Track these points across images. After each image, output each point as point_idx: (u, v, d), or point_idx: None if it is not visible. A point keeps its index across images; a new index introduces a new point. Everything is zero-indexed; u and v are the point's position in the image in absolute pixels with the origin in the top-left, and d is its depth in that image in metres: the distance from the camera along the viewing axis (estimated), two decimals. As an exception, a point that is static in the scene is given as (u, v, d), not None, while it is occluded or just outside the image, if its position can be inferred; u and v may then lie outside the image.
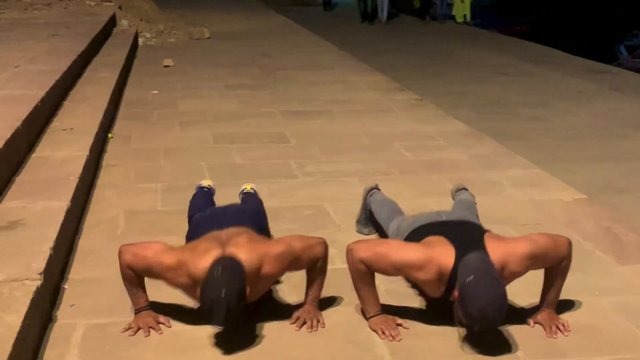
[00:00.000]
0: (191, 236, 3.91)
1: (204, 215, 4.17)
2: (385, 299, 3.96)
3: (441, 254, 3.57)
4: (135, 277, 3.67)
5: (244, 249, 3.53)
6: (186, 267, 3.51)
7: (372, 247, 3.70)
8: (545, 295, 3.80)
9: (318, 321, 3.74)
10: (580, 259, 4.54)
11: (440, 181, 6.02)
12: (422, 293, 3.98)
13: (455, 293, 3.43)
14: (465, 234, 3.74)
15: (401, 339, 3.61)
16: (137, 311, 3.73)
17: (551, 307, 3.79)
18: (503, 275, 3.54)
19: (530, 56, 15.44)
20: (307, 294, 3.81)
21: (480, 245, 3.60)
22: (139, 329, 3.65)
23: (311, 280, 3.79)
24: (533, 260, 3.65)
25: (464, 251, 3.54)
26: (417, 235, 3.86)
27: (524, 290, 3.95)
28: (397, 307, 3.91)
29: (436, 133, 7.68)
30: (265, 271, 3.56)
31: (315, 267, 3.76)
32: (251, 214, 4.26)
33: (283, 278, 4.23)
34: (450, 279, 3.53)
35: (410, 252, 3.62)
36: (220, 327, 3.56)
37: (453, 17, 21.60)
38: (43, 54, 9.45)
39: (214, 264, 3.38)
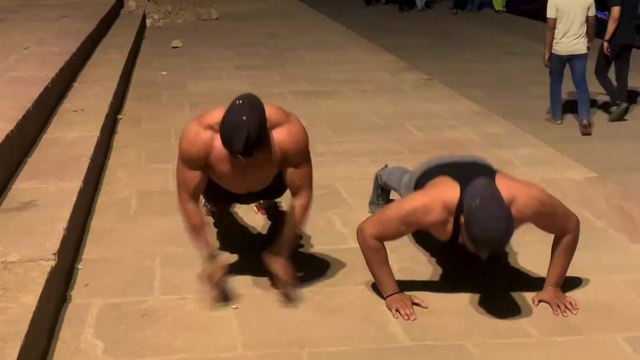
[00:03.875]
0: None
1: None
2: (398, 277, 3.97)
3: (444, 191, 3.57)
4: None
5: (270, 106, 3.59)
6: (200, 122, 3.62)
7: (376, 219, 3.71)
8: (551, 273, 3.78)
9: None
10: (592, 237, 4.55)
11: (451, 160, 6.00)
12: (437, 262, 3.99)
13: (462, 219, 3.40)
14: (474, 172, 3.66)
15: (415, 318, 3.62)
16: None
17: (557, 286, 3.78)
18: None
19: (540, 35, 15.28)
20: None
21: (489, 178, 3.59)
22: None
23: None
24: (540, 209, 3.57)
25: (470, 184, 3.50)
26: (426, 177, 3.86)
27: (534, 268, 3.96)
28: (410, 285, 3.92)
29: (446, 112, 7.66)
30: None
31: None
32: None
33: (294, 258, 4.25)
34: (457, 214, 3.50)
35: (411, 201, 3.63)
36: (239, 154, 3.44)
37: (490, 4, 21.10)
38: (52, 35, 9.45)
39: (234, 100, 3.43)
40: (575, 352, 3.36)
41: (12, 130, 5.03)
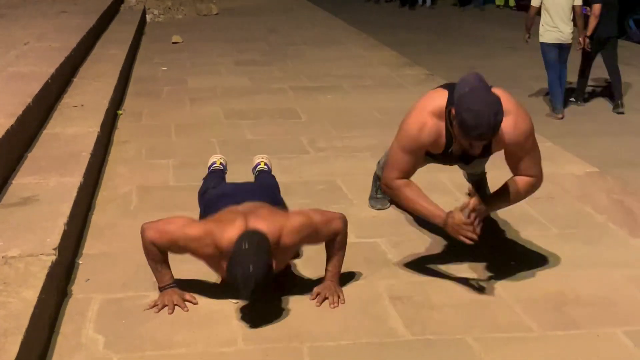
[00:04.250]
0: (206, 212, 3.88)
1: (219, 191, 4.15)
2: (398, 272, 3.98)
3: (429, 100, 3.68)
4: (159, 253, 3.66)
5: (265, 221, 3.52)
6: (212, 236, 3.49)
7: (387, 166, 3.81)
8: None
9: (339, 297, 3.73)
10: (593, 232, 4.56)
11: (451, 155, 6.00)
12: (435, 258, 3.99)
13: (453, 110, 3.45)
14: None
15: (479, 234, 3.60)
16: (161, 289, 3.72)
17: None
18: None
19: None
20: (327, 269, 3.80)
21: None
22: (164, 306, 3.65)
23: (330, 255, 3.78)
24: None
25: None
26: None
27: (534, 263, 3.95)
28: (411, 280, 3.92)
29: (447, 108, 7.64)
30: (284, 242, 3.54)
31: (334, 241, 3.73)
32: (266, 189, 4.26)
33: (298, 251, 4.25)
34: (447, 116, 3.58)
35: (403, 125, 3.74)
36: (246, 301, 3.56)
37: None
38: (52, 30, 9.43)
39: (240, 238, 3.36)
40: (575, 347, 3.37)
41: (12, 126, 5.02)
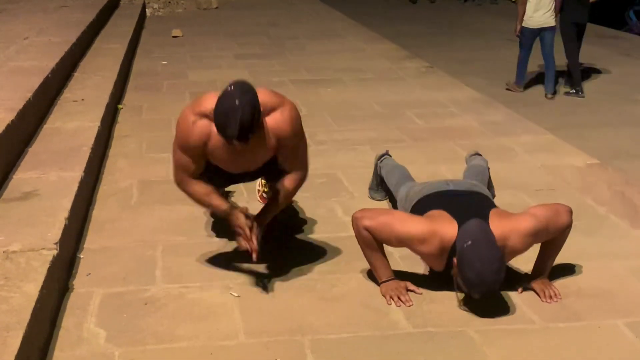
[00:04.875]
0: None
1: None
2: (400, 265, 3.98)
3: (443, 228, 3.56)
4: (202, 187, 3.75)
5: (263, 91, 3.57)
6: (193, 111, 3.61)
7: (377, 216, 3.69)
8: (540, 263, 3.78)
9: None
10: (594, 223, 4.56)
11: (452, 148, 6.00)
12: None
13: (455, 260, 3.44)
14: (470, 208, 3.69)
15: (411, 304, 3.62)
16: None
17: (545, 275, 3.79)
18: (504, 252, 3.50)
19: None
20: (260, 212, 3.89)
21: (483, 218, 3.59)
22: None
23: (274, 199, 3.86)
24: (535, 237, 3.62)
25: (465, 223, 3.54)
26: (423, 205, 3.85)
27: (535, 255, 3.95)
28: (412, 273, 3.93)
29: (447, 100, 7.65)
30: (276, 118, 3.58)
31: (287, 180, 3.78)
32: None
33: (295, 246, 4.26)
34: (451, 252, 3.53)
35: (413, 226, 3.60)
36: (234, 141, 3.41)
37: None
38: (52, 25, 9.42)
39: (226, 86, 3.42)
40: (576, 338, 3.37)
41: (12, 121, 5.02)
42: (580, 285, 3.81)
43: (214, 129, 3.46)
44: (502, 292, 3.72)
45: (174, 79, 8.81)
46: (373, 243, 3.69)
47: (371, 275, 3.89)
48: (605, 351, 3.28)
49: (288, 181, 3.82)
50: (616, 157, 6.87)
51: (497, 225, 3.54)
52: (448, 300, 3.68)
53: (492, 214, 3.64)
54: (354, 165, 5.62)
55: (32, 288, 3.31)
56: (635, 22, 17.98)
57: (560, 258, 4.10)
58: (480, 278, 3.34)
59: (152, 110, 7.32)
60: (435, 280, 3.84)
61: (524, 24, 9.88)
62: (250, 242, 3.65)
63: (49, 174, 4.78)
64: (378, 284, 3.77)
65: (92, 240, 4.38)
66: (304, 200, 4.80)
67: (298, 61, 9.92)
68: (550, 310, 3.59)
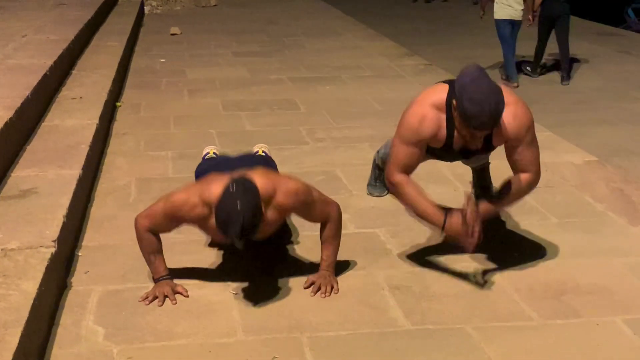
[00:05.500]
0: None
1: (213, 163, 4.14)
2: (398, 262, 3.98)
3: (430, 94, 3.67)
4: (155, 241, 3.65)
5: (258, 176, 3.50)
6: (199, 195, 3.48)
7: (388, 160, 3.76)
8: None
9: (332, 287, 3.73)
10: (592, 220, 4.56)
11: (450, 145, 5.99)
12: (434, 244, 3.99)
13: (454, 101, 3.46)
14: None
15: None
16: (156, 280, 3.72)
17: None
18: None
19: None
20: (322, 258, 3.80)
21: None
22: (154, 297, 3.65)
23: (325, 244, 3.77)
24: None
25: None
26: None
27: (534, 253, 3.95)
28: (411, 270, 3.93)
29: (446, 97, 7.62)
30: (279, 201, 3.50)
31: (327, 228, 3.71)
32: (261, 161, 4.24)
33: (297, 241, 4.25)
34: (447, 109, 3.58)
35: (403, 120, 3.69)
36: (237, 244, 3.41)
37: None
38: (50, 23, 9.42)
39: (228, 183, 3.34)
40: (575, 335, 3.37)
41: (10, 118, 5.02)
42: (578, 282, 3.81)
43: (213, 219, 3.39)
44: (500, 290, 3.73)
45: (172, 76, 8.80)
46: (410, 185, 3.72)
47: (370, 272, 3.90)
48: (603, 348, 3.28)
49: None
50: (615, 154, 6.86)
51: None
52: (447, 298, 3.68)
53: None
54: (353, 162, 5.62)
55: (30, 286, 3.31)
56: (634, 19, 18.00)
57: (558, 255, 4.12)
58: (480, 107, 3.35)
59: (150, 108, 7.31)
60: (434, 278, 3.84)
61: (495, 16, 10.13)
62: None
63: (47, 171, 4.77)
64: (384, 281, 3.77)
65: (91, 238, 4.38)
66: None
67: (297, 59, 9.92)
68: (548, 307, 3.59)
